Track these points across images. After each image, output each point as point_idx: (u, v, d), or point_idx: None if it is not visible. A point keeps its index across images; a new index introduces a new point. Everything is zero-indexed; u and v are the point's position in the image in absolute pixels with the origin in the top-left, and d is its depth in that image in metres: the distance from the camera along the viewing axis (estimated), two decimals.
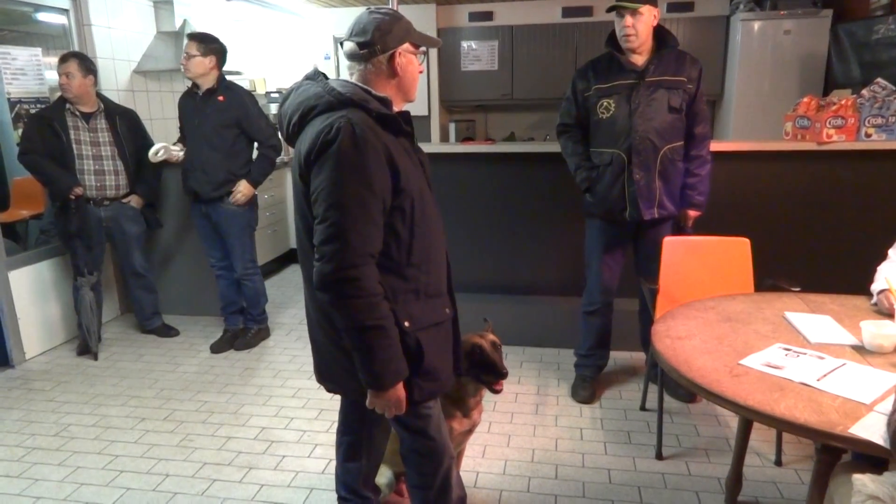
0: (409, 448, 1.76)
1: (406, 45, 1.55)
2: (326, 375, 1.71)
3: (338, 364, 1.62)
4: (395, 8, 3.47)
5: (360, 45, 1.52)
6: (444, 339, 1.68)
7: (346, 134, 1.40)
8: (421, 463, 1.76)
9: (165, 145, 3.64)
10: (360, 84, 1.55)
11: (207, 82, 3.41)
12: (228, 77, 3.55)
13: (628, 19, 2.59)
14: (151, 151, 3.63)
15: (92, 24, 4.08)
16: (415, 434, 1.71)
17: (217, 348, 3.76)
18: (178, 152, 3.61)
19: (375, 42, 1.51)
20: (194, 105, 3.48)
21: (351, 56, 1.55)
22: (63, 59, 3.44)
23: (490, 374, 1.99)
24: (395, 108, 1.57)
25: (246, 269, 3.68)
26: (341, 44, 1.58)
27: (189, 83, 3.56)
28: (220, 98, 3.41)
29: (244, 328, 3.85)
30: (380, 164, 1.43)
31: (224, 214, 3.53)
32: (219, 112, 3.40)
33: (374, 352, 1.45)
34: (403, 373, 1.52)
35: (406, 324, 1.53)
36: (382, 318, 1.45)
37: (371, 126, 1.45)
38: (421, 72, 1.64)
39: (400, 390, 1.53)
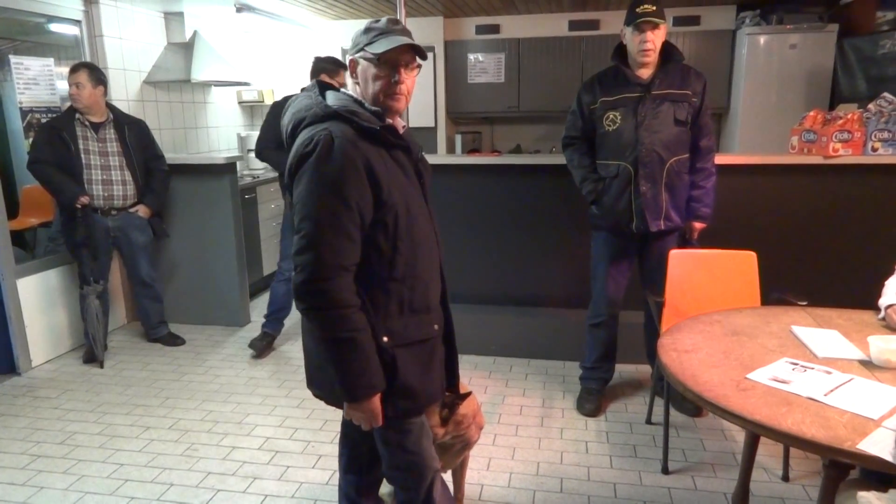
0: (389, 464, 1.73)
1: (362, 53, 1.52)
2: (314, 381, 1.70)
3: (323, 371, 1.61)
4: (402, 20, 3.52)
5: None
6: (428, 356, 1.63)
7: (324, 147, 1.41)
8: (403, 478, 1.73)
9: None
10: (354, 96, 1.56)
11: None
12: (237, 88, 3.60)
13: (649, 34, 2.61)
14: None
15: (104, 35, 4.13)
16: (393, 448, 1.68)
17: (256, 345, 3.80)
18: None
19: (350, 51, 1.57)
20: None
21: None
22: (73, 70, 3.48)
23: None
24: (389, 120, 1.56)
25: None
26: None
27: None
28: None
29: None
30: (357, 178, 1.43)
31: None
32: None
33: (346, 364, 1.45)
34: (378, 386, 1.50)
35: (385, 339, 1.52)
36: (354, 330, 1.44)
37: (352, 139, 1.44)
38: (399, 82, 1.51)
39: (374, 403, 1.51)
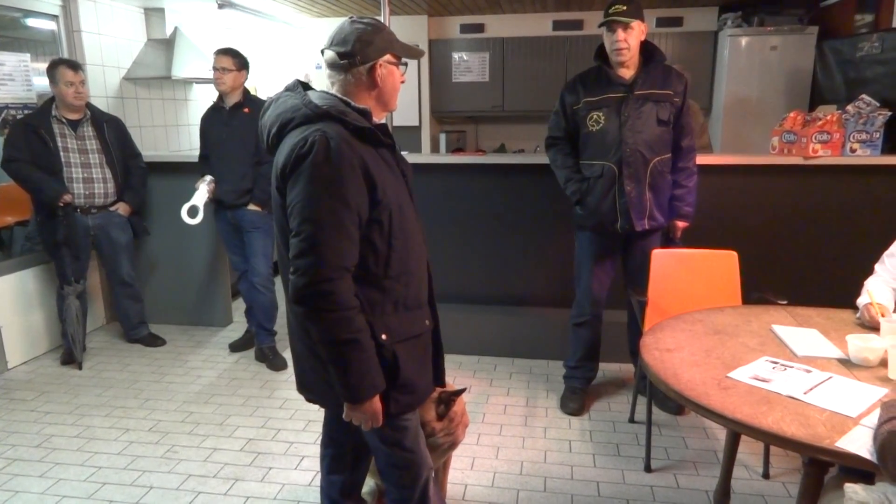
0: (386, 462, 1.73)
1: (387, 57, 1.54)
2: (306, 385, 1.69)
3: (317, 374, 1.61)
4: (385, 18, 3.50)
5: (341, 56, 1.51)
6: (423, 351, 1.67)
7: (321, 148, 1.39)
8: (399, 476, 1.73)
9: (200, 193, 3.45)
10: (339, 96, 1.54)
11: (236, 96, 3.46)
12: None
13: (620, 33, 2.63)
14: (190, 209, 3.44)
15: (82, 30, 4.06)
16: (391, 446, 1.68)
17: (237, 347, 3.85)
18: (210, 184, 3.51)
19: (356, 53, 1.50)
20: (221, 118, 3.49)
21: (331, 65, 1.54)
22: (76, 68, 3.44)
23: None
24: (375, 119, 1.56)
25: (267, 271, 3.65)
26: (322, 52, 1.57)
27: (213, 97, 3.62)
28: (246, 110, 3.45)
29: (269, 346, 3.69)
30: (355, 178, 1.42)
31: (248, 218, 3.53)
32: (245, 124, 3.40)
33: (349, 365, 1.44)
34: (380, 386, 1.50)
35: (383, 336, 1.52)
36: (357, 331, 1.44)
37: (347, 139, 1.44)
38: (403, 82, 1.62)
39: (376, 403, 1.51)
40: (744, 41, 5.24)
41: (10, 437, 2.87)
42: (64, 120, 3.50)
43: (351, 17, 1.57)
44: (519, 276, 3.80)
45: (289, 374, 3.51)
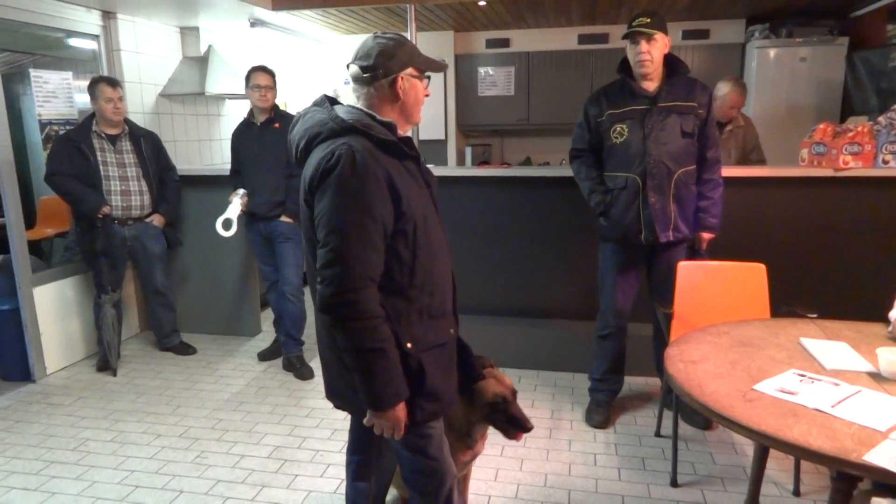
0: (411, 469, 1.75)
1: (409, 70, 1.59)
2: (335, 392, 1.73)
3: (345, 381, 1.64)
4: (412, 34, 3.57)
5: (363, 69, 1.57)
6: (448, 359, 1.69)
7: (347, 161, 1.44)
8: (423, 483, 1.75)
9: (233, 207, 3.54)
10: (365, 109, 1.59)
11: (268, 111, 3.57)
12: (246, 100, 3.67)
13: (643, 45, 2.65)
14: (224, 222, 3.51)
15: (121, 49, 4.22)
16: (416, 454, 1.70)
17: (265, 356, 3.92)
18: (244, 197, 3.58)
19: (378, 66, 1.55)
20: (252, 134, 3.59)
21: (355, 79, 1.60)
22: (115, 85, 3.58)
23: (513, 426, 1.92)
24: (400, 132, 1.60)
25: (298, 281, 3.70)
26: (348, 67, 1.63)
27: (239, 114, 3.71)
28: (277, 125, 3.54)
29: (296, 356, 3.74)
30: (380, 190, 1.46)
31: (279, 229, 3.61)
32: (276, 138, 3.47)
33: (374, 373, 1.48)
34: (403, 394, 1.53)
35: (408, 345, 1.55)
36: (382, 340, 1.47)
37: (372, 152, 1.48)
38: (427, 95, 1.67)
39: (400, 411, 1.54)
40: (772, 53, 5.20)
41: (48, 440, 2.96)
42: (103, 135, 3.63)
43: (375, 33, 1.61)
44: (543, 287, 3.80)
45: (315, 383, 3.56)
